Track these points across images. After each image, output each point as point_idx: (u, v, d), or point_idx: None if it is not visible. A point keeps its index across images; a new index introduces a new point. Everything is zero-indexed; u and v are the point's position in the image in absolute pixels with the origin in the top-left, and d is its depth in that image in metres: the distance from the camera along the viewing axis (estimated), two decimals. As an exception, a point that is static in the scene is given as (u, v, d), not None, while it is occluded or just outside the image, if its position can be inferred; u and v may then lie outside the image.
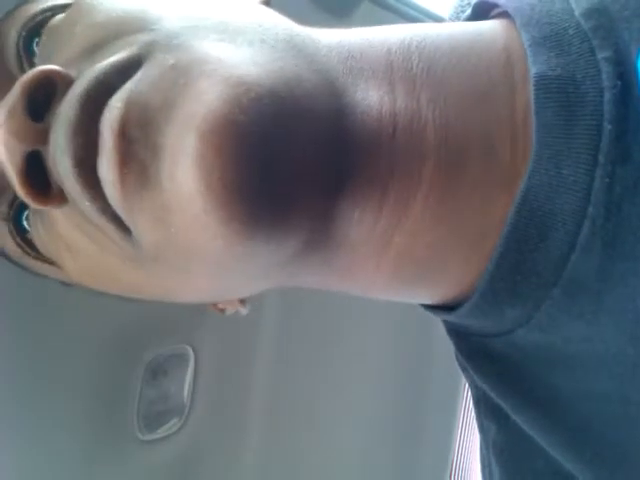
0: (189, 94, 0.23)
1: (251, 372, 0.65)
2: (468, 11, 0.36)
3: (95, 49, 0.28)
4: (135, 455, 0.56)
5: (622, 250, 0.27)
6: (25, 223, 0.33)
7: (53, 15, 0.32)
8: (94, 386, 0.52)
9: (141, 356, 0.55)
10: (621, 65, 0.27)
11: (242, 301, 0.42)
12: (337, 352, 0.74)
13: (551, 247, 0.28)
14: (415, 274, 0.31)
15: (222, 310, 0.43)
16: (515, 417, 0.33)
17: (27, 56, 0.32)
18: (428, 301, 0.35)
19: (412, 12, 0.77)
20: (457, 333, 0.36)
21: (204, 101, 0.23)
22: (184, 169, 0.23)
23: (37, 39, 0.32)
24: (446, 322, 0.37)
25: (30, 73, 0.26)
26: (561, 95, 0.27)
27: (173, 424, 0.58)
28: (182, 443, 0.59)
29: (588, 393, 0.30)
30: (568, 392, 0.31)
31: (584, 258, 0.27)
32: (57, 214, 0.29)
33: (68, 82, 0.26)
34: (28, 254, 0.34)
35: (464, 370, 0.37)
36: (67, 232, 0.29)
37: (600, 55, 0.27)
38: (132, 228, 0.26)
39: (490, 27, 0.32)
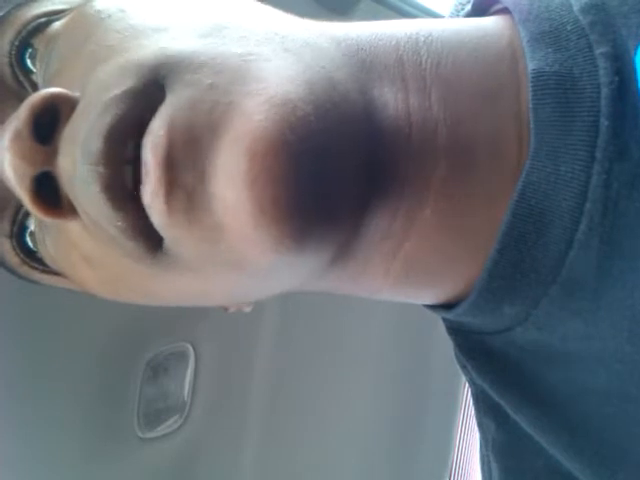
0: (236, 115, 0.23)
1: (251, 370, 0.65)
2: (468, 7, 0.36)
3: (97, 64, 0.27)
4: (135, 453, 0.56)
5: (620, 247, 0.27)
6: (28, 239, 0.33)
7: (48, 23, 0.31)
8: (95, 384, 0.52)
9: (141, 354, 0.55)
10: (619, 61, 0.27)
11: None
12: (337, 350, 0.74)
13: (549, 244, 0.27)
14: (421, 277, 0.31)
15: (226, 308, 0.43)
16: (514, 415, 0.33)
17: (20, 66, 0.31)
18: (431, 301, 0.35)
19: (412, 10, 0.77)
20: (456, 331, 0.36)
21: (253, 122, 0.23)
22: (236, 191, 0.23)
23: (30, 49, 0.31)
24: (445, 320, 0.37)
25: (37, 96, 0.25)
26: (558, 91, 0.27)
27: (173, 422, 0.58)
28: (182, 441, 0.59)
29: (587, 391, 0.30)
30: (567, 390, 0.31)
31: (582, 255, 0.27)
32: (71, 224, 0.28)
33: (73, 104, 0.26)
34: (35, 268, 0.34)
35: (463, 368, 0.37)
36: (83, 242, 0.28)
37: (598, 51, 0.27)
38: (172, 245, 0.25)
39: (493, 23, 0.31)
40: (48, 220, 0.27)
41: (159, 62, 0.25)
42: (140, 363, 0.55)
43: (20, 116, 0.25)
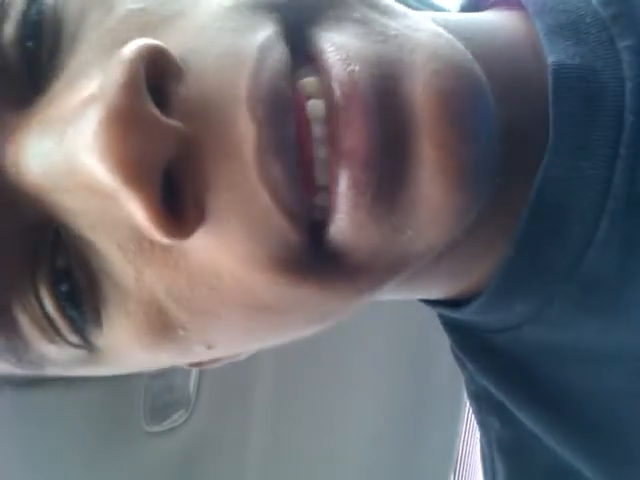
0: (421, 51, 0.20)
1: (257, 364, 0.64)
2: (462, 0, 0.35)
3: (165, 19, 0.20)
4: (141, 447, 0.55)
5: None
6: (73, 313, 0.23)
7: None
8: (100, 378, 0.52)
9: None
10: None
11: None
12: (342, 348, 0.74)
13: (567, 242, 0.27)
14: (435, 277, 0.30)
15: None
16: (519, 414, 0.32)
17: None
18: (437, 297, 0.34)
19: (416, 4, 0.77)
20: (454, 327, 0.35)
21: (445, 59, 0.20)
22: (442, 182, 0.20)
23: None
24: (442, 316, 0.36)
25: (140, 44, 0.18)
26: (581, 84, 0.26)
27: (179, 416, 0.58)
28: (188, 435, 0.59)
29: (600, 390, 0.30)
30: (579, 389, 0.31)
31: (602, 254, 0.26)
32: (189, 243, 0.20)
33: (179, 72, 0.19)
34: (79, 346, 0.24)
35: (462, 365, 0.36)
36: (218, 256, 0.21)
37: (621, 44, 0.26)
38: (352, 241, 0.20)
39: (504, 17, 0.31)
40: (168, 241, 0.19)
41: None
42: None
43: (119, 72, 0.17)
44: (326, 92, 0.19)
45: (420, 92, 0.19)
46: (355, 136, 0.18)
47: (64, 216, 0.22)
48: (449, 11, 0.80)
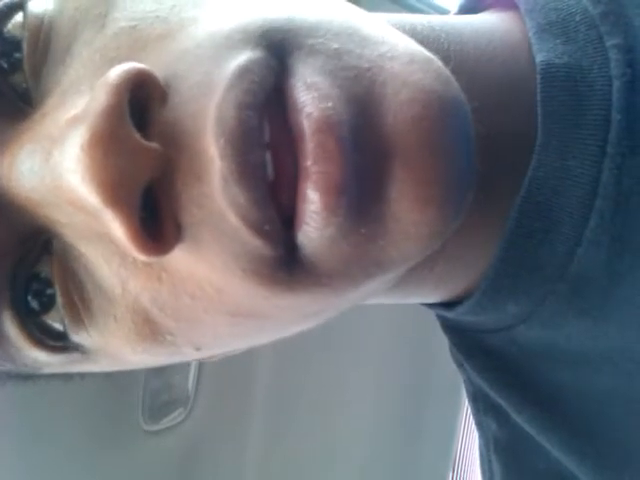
0: (392, 80, 0.20)
1: (255, 362, 0.65)
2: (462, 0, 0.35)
3: (155, 40, 0.21)
4: (140, 445, 0.56)
5: (630, 244, 0.26)
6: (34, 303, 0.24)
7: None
8: (100, 376, 0.52)
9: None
10: (631, 52, 0.26)
11: None
12: (341, 344, 0.74)
13: (556, 241, 0.27)
14: (430, 282, 0.30)
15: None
16: (515, 415, 0.32)
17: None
18: (431, 300, 0.34)
19: (417, 4, 0.77)
20: (452, 328, 0.35)
21: (416, 83, 0.20)
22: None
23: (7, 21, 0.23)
24: (440, 317, 0.36)
25: (129, 69, 0.19)
26: (569, 83, 0.26)
27: (178, 414, 0.58)
28: (186, 433, 0.59)
29: (592, 390, 0.30)
30: (571, 389, 0.31)
31: (591, 253, 0.26)
32: (169, 257, 0.21)
33: (162, 95, 0.20)
34: (61, 349, 0.24)
35: (460, 366, 0.36)
36: (196, 269, 0.22)
37: (609, 42, 0.26)
38: (317, 256, 0.21)
39: (500, 17, 0.31)
40: (148, 259, 0.20)
41: (272, 27, 0.21)
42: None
43: (103, 95, 0.18)
44: (295, 126, 0.19)
45: (391, 122, 0.20)
46: (326, 167, 0.19)
47: (53, 227, 0.23)
48: (448, 12, 0.80)
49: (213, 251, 0.21)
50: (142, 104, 0.20)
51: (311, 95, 0.19)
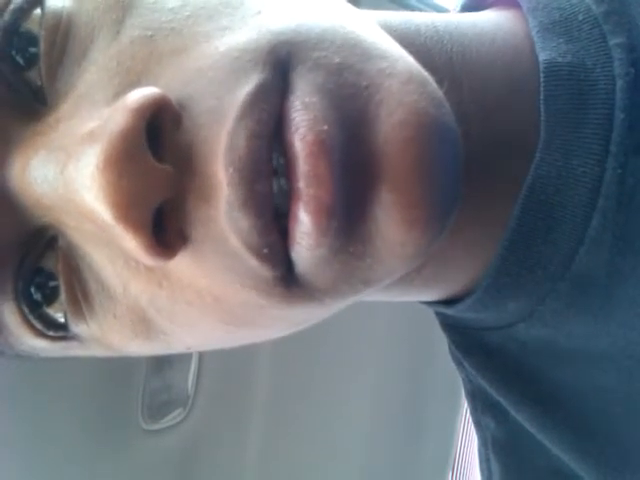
0: (389, 100, 0.20)
1: (254, 363, 0.65)
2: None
3: (166, 57, 0.21)
4: (139, 445, 0.56)
5: (633, 244, 0.26)
6: (37, 296, 0.25)
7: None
8: (99, 375, 0.52)
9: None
10: (634, 52, 0.26)
11: None
12: (341, 344, 0.74)
13: (559, 240, 0.27)
14: (431, 276, 0.30)
15: None
16: (515, 413, 0.32)
17: (5, 56, 0.23)
18: (432, 298, 0.34)
19: (416, 4, 0.77)
20: (452, 326, 0.35)
21: (411, 105, 0.20)
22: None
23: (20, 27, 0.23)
24: (439, 314, 0.36)
25: (147, 94, 0.20)
26: (572, 82, 0.26)
27: (177, 414, 0.58)
28: (186, 433, 0.59)
29: (593, 389, 0.30)
30: (572, 388, 0.31)
31: (593, 252, 0.26)
32: (173, 263, 0.22)
33: (177, 118, 0.21)
34: (60, 338, 0.26)
35: (459, 365, 0.36)
36: (193, 277, 0.23)
37: (612, 41, 0.26)
38: (309, 273, 0.22)
39: (503, 16, 0.31)
40: (153, 263, 0.21)
41: (279, 41, 0.21)
42: (144, 355, 0.55)
43: (121, 118, 0.19)
44: (290, 147, 0.20)
45: (381, 144, 0.20)
46: (317, 190, 0.19)
47: (60, 227, 0.24)
48: (449, 11, 0.80)
49: (215, 265, 0.22)
50: (157, 126, 0.20)
51: (307, 117, 0.20)
